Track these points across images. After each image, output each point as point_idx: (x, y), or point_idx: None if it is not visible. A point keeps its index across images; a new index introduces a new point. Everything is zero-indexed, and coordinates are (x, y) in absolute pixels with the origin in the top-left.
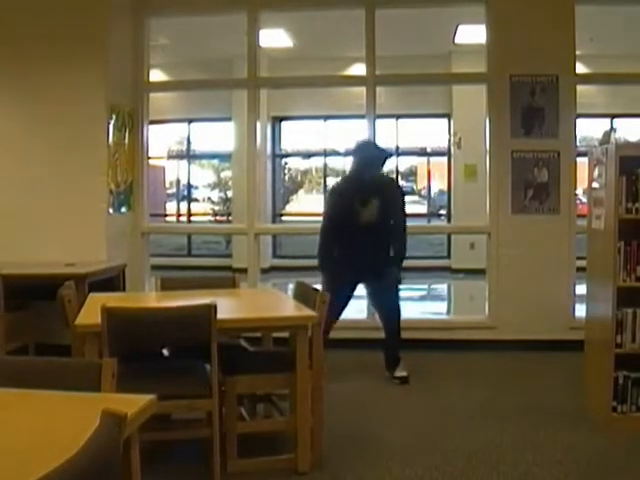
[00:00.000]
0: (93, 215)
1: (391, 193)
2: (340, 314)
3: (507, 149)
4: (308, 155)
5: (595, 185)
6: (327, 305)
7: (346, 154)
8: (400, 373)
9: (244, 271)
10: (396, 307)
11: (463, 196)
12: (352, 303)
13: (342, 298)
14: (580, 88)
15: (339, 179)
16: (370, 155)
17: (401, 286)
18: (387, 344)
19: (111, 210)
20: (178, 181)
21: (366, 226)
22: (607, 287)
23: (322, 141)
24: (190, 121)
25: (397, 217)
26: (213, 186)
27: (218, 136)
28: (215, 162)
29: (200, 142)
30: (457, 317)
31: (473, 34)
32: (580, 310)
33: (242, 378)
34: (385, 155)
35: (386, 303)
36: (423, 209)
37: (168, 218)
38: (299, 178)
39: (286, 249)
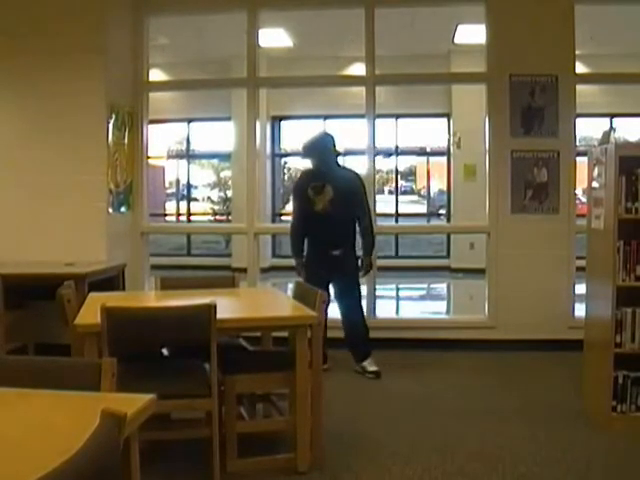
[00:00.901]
0: (93, 215)
1: (348, 185)
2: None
3: (507, 149)
4: None
5: (595, 185)
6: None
7: (345, 154)
8: (372, 367)
9: (244, 271)
10: (358, 305)
11: (463, 196)
12: None
13: None
14: (580, 88)
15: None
16: (325, 148)
17: (401, 286)
18: (353, 341)
19: (111, 210)
20: (178, 181)
21: (321, 215)
22: (607, 287)
23: None
24: (190, 121)
25: (359, 211)
26: (213, 186)
27: (218, 136)
28: (215, 162)
29: (200, 142)
30: (457, 317)
31: (473, 34)
32: (580, 310)
33: (241, 378)
34: (335, 148)
35: (348, 301)
36: (423, 209)
37: (168, 218)
38: None
39: (286, 249)
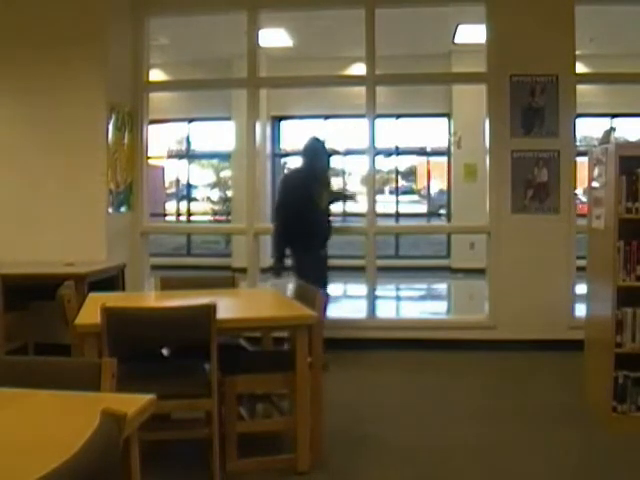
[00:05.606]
0: (93, 215)
1: None
2: None
3: (507, 149)
4: None
5: (595, 185)
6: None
7: (345, 153)
8: None
9: (244, 271)
10: None
11: (463, 196)
12: (352, 303)
13: None
14: (580, 88)
15: None
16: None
17: (401, 286)
18: None
19: (111, 210)
20: (178, 180)
21: None
22: (607, 287)
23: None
24: (190, 121)
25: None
26: (213, 185)
27: (218, 136)
28: (215, 162)
29: (200, 142)
30: (457, 317)
31: (473, 34)
32: (580, 310)
33: (242, 378)
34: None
35: None
36: (423, 209)
37: (168, 218)
38: None
39: None
